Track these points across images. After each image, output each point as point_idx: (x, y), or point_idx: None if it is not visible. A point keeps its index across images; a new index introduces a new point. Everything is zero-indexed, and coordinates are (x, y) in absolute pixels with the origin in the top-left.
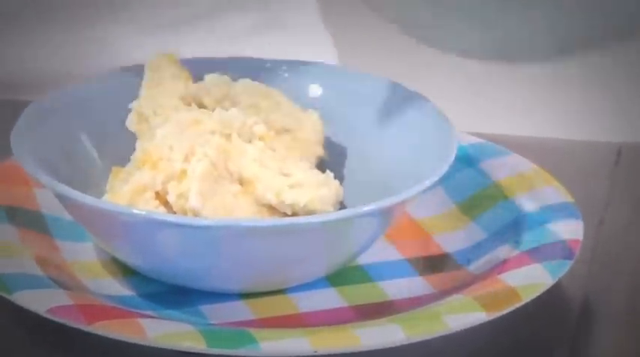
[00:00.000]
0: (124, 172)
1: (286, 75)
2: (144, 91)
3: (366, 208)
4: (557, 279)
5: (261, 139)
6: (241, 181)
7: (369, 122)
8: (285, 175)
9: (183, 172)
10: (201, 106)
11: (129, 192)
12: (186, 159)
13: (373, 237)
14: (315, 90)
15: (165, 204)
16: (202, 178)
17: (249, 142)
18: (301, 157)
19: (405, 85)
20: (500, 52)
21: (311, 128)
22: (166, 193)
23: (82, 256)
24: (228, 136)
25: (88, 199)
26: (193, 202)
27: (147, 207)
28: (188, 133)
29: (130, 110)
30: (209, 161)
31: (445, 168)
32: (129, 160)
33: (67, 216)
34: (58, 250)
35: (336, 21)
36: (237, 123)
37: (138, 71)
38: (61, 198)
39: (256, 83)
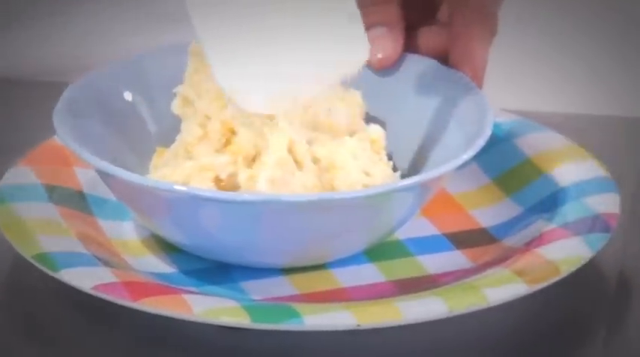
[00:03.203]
0: (168, 153)
1: None
2: (188, 76)
3: (403, 183)
4: (596, 252)
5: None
6: (322, 166)
7: (406, 99)
8: (367, 173)
9: (258, 156)
10: None
11: (189, 168)
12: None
13: (410, 211)
14: None
15: (219, 186)
16: (276, 165)
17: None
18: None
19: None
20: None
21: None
22: (236, 175)
23: (124, 234)
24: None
25: (132, 177)
26: (262, 187)
27: (200, 185)
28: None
29: (172, 93)
30: (286, 150)
31: (481, 143)
32: (172, 140)
33: (107, 195)
34: (99, 228)
35: None
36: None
37: (177, 51)
38: (105, 176)
39: None
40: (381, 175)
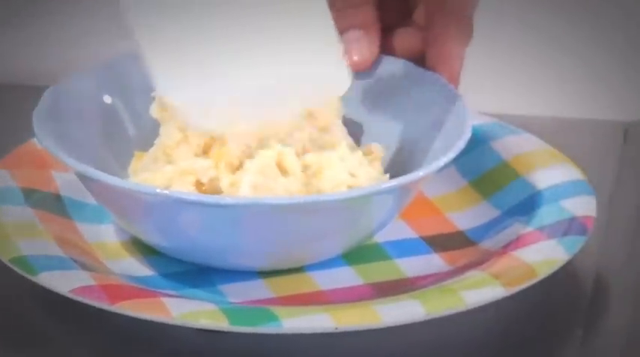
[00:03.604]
0: (147, 157)
1: None
2: None
3: (382, 186)
4: (572, 255)
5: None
6: (310, 173)
7: (383, 101)
8: (352, 175)
9: (241, 163)
10: None
11: (171, 172)
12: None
13: (389, 215)
14: None
15: (200, 190)
16: (259, 171)
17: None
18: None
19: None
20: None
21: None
22: (218, 180)
23: (102, 238)
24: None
25: (115, 180)
26: (244, 193)
27: (182, 188)
28: None
29: (151, 96)
30: (271, 158)
31: (460, 146)
32: (152, 144)
33: (85, 198)
34: (77, 231)
35: None
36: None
37: None
38: (85, 179)
39: None
40: (365, 177)
